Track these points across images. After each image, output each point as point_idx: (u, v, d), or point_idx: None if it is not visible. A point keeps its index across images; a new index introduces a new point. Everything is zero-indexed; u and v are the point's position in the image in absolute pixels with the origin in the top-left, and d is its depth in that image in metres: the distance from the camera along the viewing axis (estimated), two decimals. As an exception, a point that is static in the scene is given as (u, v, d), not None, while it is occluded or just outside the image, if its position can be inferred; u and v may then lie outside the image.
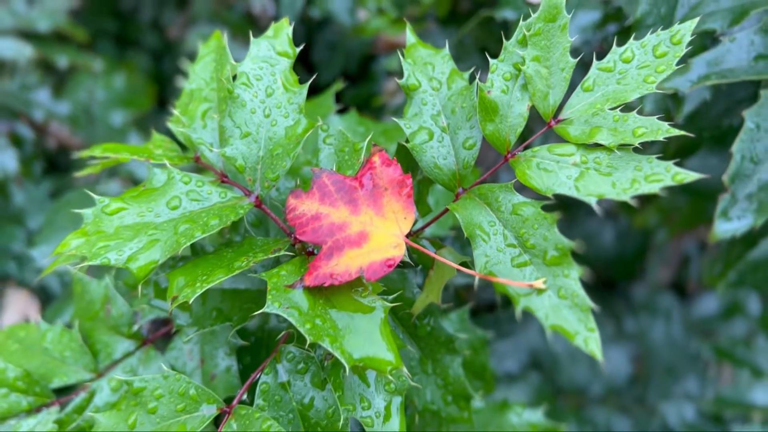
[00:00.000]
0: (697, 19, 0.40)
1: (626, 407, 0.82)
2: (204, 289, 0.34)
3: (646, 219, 0.83)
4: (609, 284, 1.07)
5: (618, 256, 1.00)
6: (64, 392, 0.52)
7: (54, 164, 1.21)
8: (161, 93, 1.37)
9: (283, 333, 0.40)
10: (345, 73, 1.19)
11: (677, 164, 0.36)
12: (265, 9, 1.24)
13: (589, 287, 1.07)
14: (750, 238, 0.64)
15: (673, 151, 0.78)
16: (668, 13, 0.61)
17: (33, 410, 0.51)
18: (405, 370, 0.34)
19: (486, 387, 0.52)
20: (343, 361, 0.32)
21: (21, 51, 0.97)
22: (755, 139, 0.50)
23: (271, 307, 0.33)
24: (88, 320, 0.53)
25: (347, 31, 1.25)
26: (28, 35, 1.04)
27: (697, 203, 0.80)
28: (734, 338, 0.79)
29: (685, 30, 0.40)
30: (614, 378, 0.84)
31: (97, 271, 0.69)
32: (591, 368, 0.84)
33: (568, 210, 1.01)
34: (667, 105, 0.61)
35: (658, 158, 0.36)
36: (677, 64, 0.39)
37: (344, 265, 0.34)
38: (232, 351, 0.45)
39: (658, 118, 0.38)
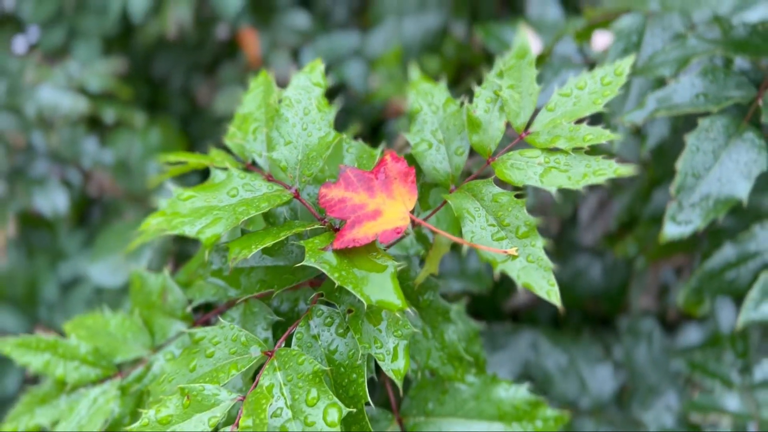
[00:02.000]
0: (633, 56, 0.52)
1: (612, 420, 0.91)
2: (258, 249, 0.45)
3: (625, 248, 0.94)
4: (603, 320, 1.16)
5: (605, 290, 1.10)
6: (124, 367, 0.62)
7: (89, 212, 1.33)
8: (190, 150, 1.51)
9: (314, 295, 0.50)
10: (357, 135, 1.34)
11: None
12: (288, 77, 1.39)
13: (582, 321, 1.17)
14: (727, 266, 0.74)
15: (647, 183, 0.90)
16: (635, 70, 0.74)
17: (99, 381, 0.61)
18: (410, 311, 0.44)
19: (479, 371, 0.62)
20: (362, 300, 0.43)
21: (76, 105, 1.12)
22: (695, 158, 0.61)
23: (308, 261, 0.44)
24: (146, 309, 0.64)
25: (361, 96, 1.40)
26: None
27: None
28: (706, 352, 0.88)
29: (625, 65, 0.52)
30: (601, 394, 0.93)
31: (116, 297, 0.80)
32: (580, 384, 0.92)
33: (561, 254, 1.12)
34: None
35: (604, 158, 0.48)
36: (620, 89, 0.51)
37: (363, 233, 0.46)
38: (268, 326, 0.55)
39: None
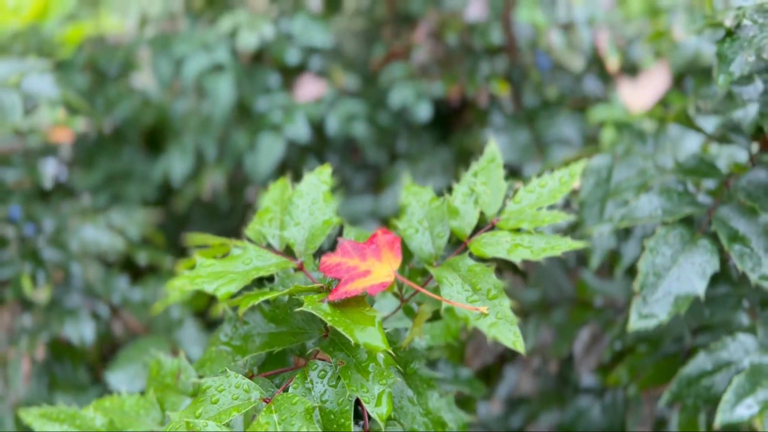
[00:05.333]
0: (584, 159, 0.63)
1: None
2: (265, 299, 0.53)
3: (618, 377, 0.97)
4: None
5: (606, 429, 1.11)
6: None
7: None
8: (210, 299, 1.61)
9: (310, 351, 0.57)
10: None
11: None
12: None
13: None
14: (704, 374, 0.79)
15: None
16: (602, 196, 0.85)
17: (111, 452, 0.65)
18: (399, 379, 0.51)
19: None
20: (351, 340, 0.50)
21: (114, 244, 1.24)
22: (655, 260, 0.69)
23: (306, 308, 0.52)
24: (160, 390, 0.69)
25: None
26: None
27: (660, 363, 0.95)
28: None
29: (577, 168, 0.63)
30: None
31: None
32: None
33: (561, 398, 1.15)
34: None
35: (560, 235, 0.57)
36: (573, 187, 0.61)
37: (354, 287, 0.54)
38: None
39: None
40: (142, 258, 1.33)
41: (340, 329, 0.51)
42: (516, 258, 0.56)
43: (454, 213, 0.61)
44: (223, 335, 0.62)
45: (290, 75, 1.76)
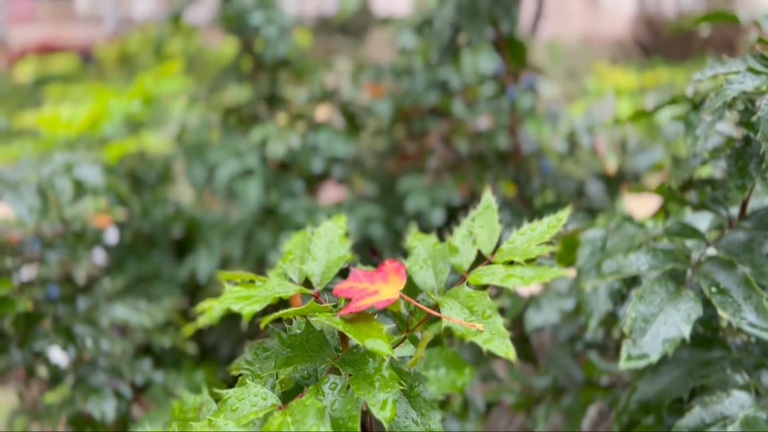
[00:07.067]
0: (570, 207, 0.71)
1: None
2: (285, 312, 0.60)
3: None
4: None
5: None
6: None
7: None
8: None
9: (323, 366, 0.63)
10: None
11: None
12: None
13: None
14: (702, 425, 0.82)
15: (635, 376, 0.99)
16: (598, 263, 0.92)
17: (131, 478, 0.69)
18: (404, 399, 0.57)
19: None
20: (360, 344, 0.56)
21: (143, 323, 1.31)
22: (645, 307, 0.75)
23: (320, 318, 0.59)
24: (182, 425, 0.74)
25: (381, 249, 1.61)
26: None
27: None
28: None
29: (564, 215, 0.71)
30: None
31: None
32: None
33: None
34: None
35: (548, 267, 0.64)
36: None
37: (363, 303, 0.60)
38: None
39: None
40: (165, 342, 1.39)
41: (350, 335, 0.57)
42: (509, 285, 0.63)
43: (454, 251, 0.69)
44: (244, 362, 0.68)
45: (314, 182, 1.90)
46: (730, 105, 0.76)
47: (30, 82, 6.03)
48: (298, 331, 0.68)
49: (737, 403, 0.80)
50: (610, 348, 1.21)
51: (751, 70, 0.69)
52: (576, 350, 1.26)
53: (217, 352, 1.99)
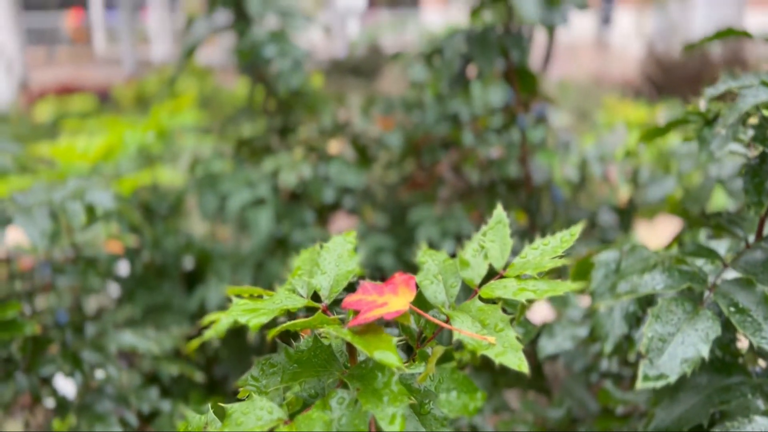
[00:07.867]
0: (582, 223, 0.70)
1: None
2: (293, 324, 0.59)
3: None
4: None
5: None
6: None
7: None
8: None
9: (331, 380, 0.61)
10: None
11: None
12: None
13: None
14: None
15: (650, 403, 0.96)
16: (612, 285, 0.90)
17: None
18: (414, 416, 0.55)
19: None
20: (369, 355, 0.55)
21: (151, 349, 1.29)
22: (662, 327, 0.73)
23: (328, 329, 0.58)
24: (186, 446, 0.72)
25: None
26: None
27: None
28: None
29: (576, 230, 0.69)
30: None
31: None
32: None
33: None
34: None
35: (561, 281, 0.62)
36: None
37: (373, 315, 0.59)
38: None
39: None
40: (173, 370, 1.37)
41: (359, 347, 0.56)
42: (521, 298, 0.61)
43: (465, 265, 0.68)
44: (250, 377, 0.66)
45: (325, 212, 1.90)
46: (744, 122, 0.75)
47: (48, 121, 6.15)
48: (305, 348, 0.67)
49: (759, 428, 0.78)
50: (625, 377, 1.18)
51: (764, 83, 0.69)
52: (590, 381, 1.23)
53: (226, 384, 1.96)
